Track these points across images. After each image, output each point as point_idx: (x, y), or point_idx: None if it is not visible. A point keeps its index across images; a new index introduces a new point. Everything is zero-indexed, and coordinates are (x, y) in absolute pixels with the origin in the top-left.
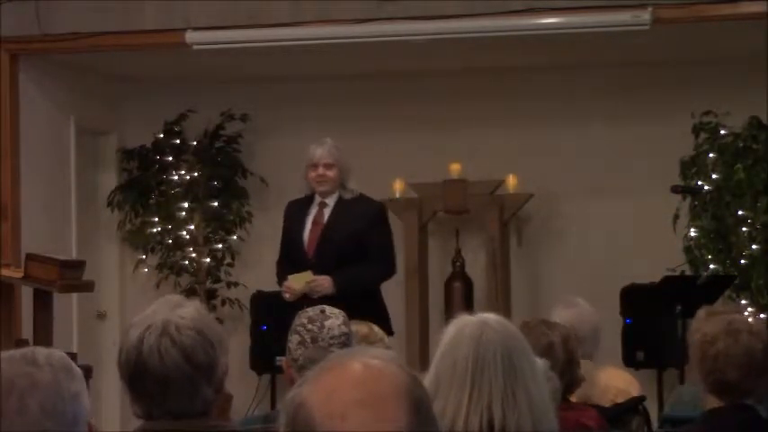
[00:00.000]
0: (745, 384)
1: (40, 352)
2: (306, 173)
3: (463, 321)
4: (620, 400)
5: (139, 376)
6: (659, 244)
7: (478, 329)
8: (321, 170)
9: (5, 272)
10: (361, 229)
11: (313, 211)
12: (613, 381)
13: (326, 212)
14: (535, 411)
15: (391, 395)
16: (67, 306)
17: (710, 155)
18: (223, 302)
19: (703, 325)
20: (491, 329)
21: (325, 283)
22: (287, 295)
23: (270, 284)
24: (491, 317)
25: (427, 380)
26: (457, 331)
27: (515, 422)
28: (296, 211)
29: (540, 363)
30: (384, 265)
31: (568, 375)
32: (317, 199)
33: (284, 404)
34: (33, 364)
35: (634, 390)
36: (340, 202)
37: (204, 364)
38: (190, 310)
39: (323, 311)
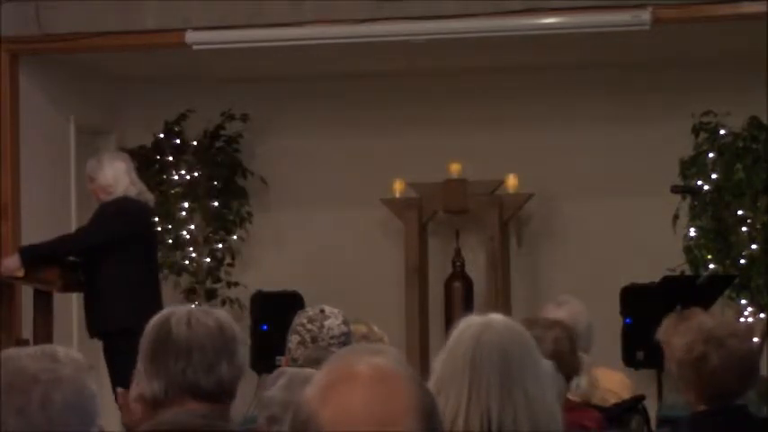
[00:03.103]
0: (743, 388)
1: (60, 349)
2: None
3: (468, 322)
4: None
5: (162, 346)
6: (659, 244)
7: (479, 330)
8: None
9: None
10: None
11: None
12: (612, 385)
13: None
14: (534, 412)
15: (403, 413)
16: (67, 306)
17: (710, 155)
18: (223, 302)
19: (680, 337)
20: (492, 330)
21: (9, 261)
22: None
23: (270, 284)
24: (497, 318)
25: (432, 379)
26: (460, 332)
27: (511, 422)
28: None
29: (547, 364)
30: (75, 234)
31: (571, 366)
32: None
33: (278, 405)
34: (55, 360)
35: (628, 394)
36: None
37: (231, 339)
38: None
39: (322, 311)
